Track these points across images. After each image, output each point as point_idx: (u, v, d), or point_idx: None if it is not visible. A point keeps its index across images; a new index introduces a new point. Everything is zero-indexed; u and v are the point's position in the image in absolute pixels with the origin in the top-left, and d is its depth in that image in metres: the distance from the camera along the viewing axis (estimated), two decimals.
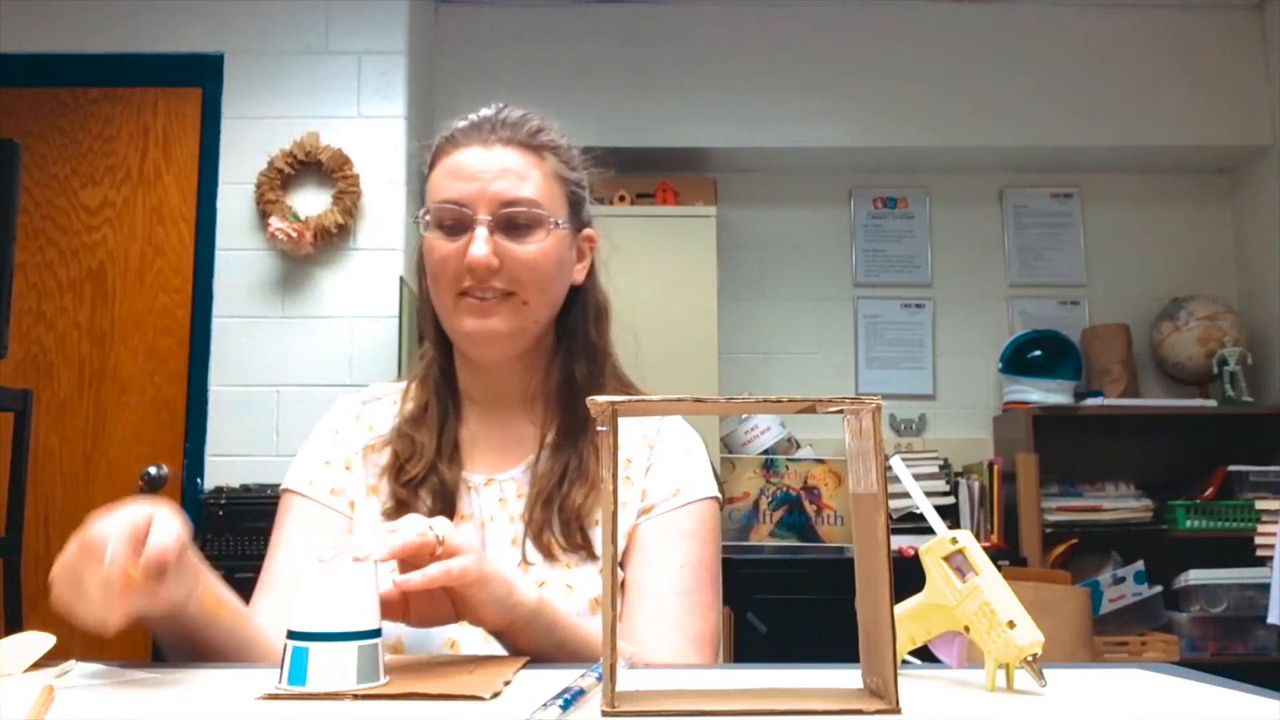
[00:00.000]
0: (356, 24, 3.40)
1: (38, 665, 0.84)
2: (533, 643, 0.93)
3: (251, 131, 3.33)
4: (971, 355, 3.96)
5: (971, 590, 0.78)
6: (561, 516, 1.11)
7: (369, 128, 3.35)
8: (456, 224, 1.12)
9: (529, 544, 1.11)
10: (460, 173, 1.12)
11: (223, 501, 2.96)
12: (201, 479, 3.17)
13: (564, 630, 0.95)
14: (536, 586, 1.02)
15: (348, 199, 3.25)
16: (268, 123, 3.33)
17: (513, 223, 1.12)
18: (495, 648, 0.97)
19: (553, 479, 1.13)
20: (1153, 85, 3.86)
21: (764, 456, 3.59)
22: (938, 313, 4.02)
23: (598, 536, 1.11)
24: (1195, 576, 3.44)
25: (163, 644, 0.95)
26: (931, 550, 0.81)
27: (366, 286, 3.28)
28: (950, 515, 3.55)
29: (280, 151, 3.27)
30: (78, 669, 0.84)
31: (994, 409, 3.91)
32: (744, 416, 3.69)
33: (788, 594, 3.30)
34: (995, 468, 3.56)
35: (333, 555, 0.80)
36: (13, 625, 2.27)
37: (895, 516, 3.06)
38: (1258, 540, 3.23)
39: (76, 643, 0.93)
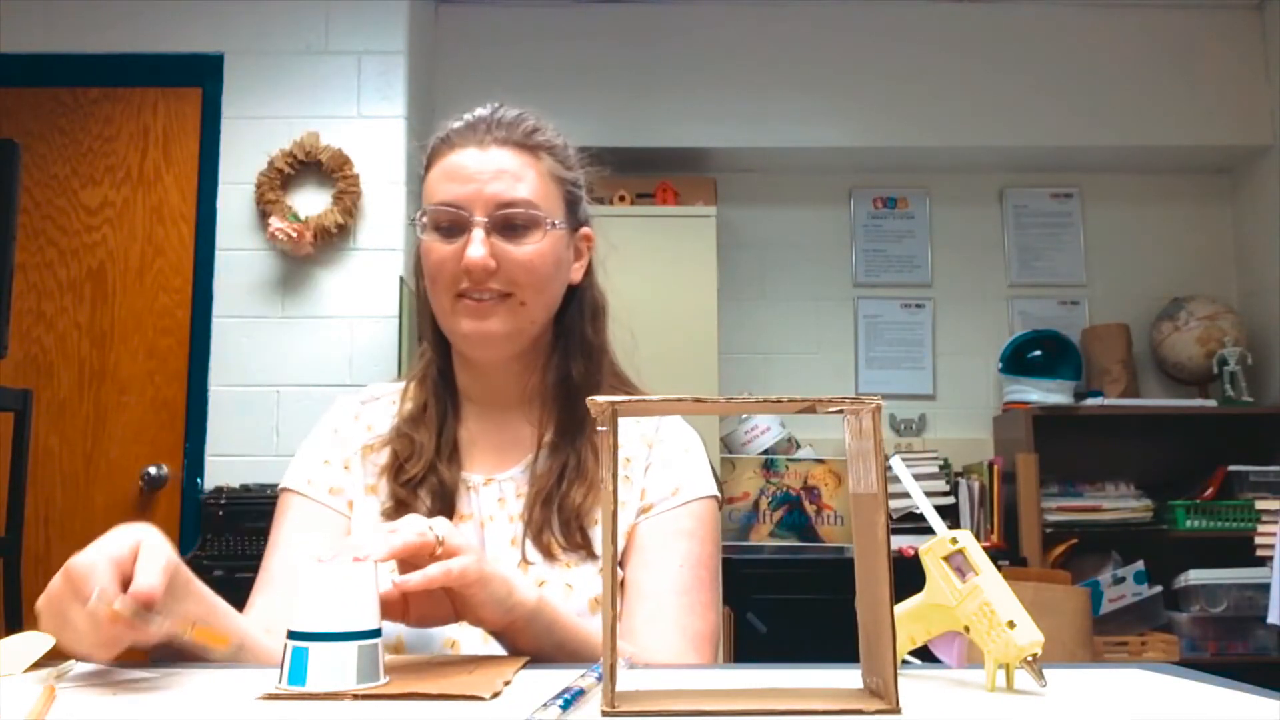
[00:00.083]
0: (356, 24, 3.40)
1: (38, 665, 0.84)
2: (533, 643, 0.93)
3: (251, 131, 3.33)
4: (971, 355, 3.96)
5: (971, 590, 0.78)
6: (561, 516, 1.11)
7: (369, 128, 3.35)
8: (453, 226, 1.12)
9: (528, 543, 1.11)
10: (456, 174, 1.12)
11: (223, 501, 2.96)
12: (201, 479, 3.17)
13: (564, 630, 0.95)
14: (536, 586, 1.02)
15: (348, 199, 3.25)
16: (268, 123, 3.33)
17: (509, 224, 1.11)
18: (495, 648, 0.97)
19: (551, 478, 1.13)
20: (1153, 85, 3.86)
21: (764, 456, 3.59)
22: (938, 313, 4.02)
23: (597, 536, 1.11)
24: (1195, 576, 3.44)
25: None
26: (931, 550, 0.81)
27: (366, 286, 3.28)
28: (950, 515, 3.55)
29: (280, 151, 3.27)
30: (78, 669, 0.84)
31: (994, 409, 3.91)
32: (744, 416, 3.68)
33: (788, 594, 3.30)
34: (995, 468, 3.56)
35: (332, 555, 0.80)
36: (13, 625, 2.27)
37: (895, 516, 3.06)
38: (1258, 540, 3.23)
39: None
